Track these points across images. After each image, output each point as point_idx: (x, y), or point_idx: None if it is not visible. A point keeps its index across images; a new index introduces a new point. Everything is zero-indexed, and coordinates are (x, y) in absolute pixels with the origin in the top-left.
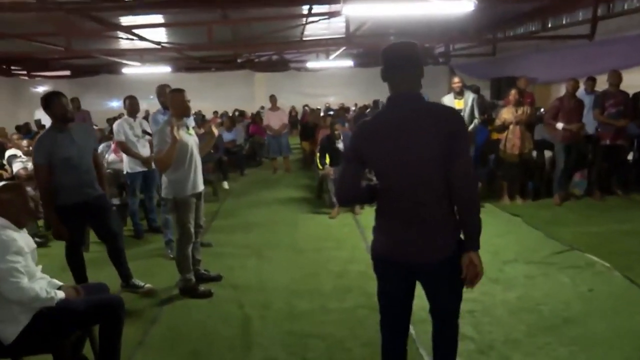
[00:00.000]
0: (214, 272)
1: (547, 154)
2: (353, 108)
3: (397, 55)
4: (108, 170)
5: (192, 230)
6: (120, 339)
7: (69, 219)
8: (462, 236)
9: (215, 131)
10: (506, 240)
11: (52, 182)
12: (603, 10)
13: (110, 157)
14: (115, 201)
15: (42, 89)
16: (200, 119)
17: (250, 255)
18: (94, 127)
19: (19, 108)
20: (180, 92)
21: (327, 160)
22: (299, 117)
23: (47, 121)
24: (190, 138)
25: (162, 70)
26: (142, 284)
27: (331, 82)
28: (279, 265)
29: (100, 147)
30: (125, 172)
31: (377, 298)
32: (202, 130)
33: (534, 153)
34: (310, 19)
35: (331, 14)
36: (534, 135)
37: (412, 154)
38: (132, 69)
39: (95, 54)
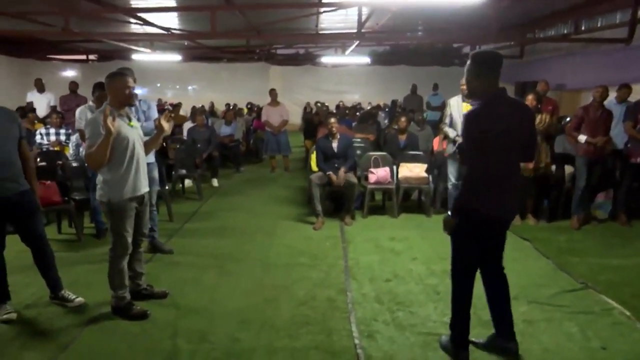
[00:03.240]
0: (162, 286)
1: (568, 169)
2: (368, 107)
3: (495, 60)
4: (75, 164)
5: (130, 240)
6: None
7: None
8: None
9: (166, 125)
10: (509, 270)
11: None
12: None
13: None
14: (78, 195)
15: (53, 72)
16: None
17: (211, 268)
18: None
19: (28, 91)
20: (120, 76)
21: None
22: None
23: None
24: (131, 131)
25: (172, 59)
26: (73, 296)
27: (349, 80)
28: (239, 284)
29: (74, 138)
30: (87, 164)
31: (464, 258)
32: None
33: (553, 167)
34: (323, 9)
35: (340, 5)
36: (555, 147)
37: (514, 134)
38: (142, 56)
39: (96, 37)
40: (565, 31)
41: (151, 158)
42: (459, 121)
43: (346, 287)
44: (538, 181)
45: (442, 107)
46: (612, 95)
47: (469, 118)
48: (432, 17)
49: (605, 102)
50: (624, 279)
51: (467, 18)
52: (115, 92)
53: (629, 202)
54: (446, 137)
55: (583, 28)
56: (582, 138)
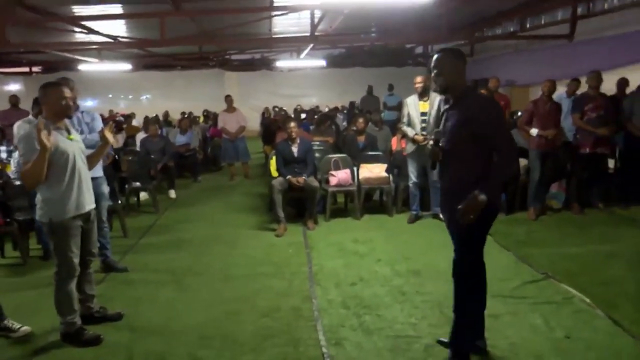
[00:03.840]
0: (117, 307)
1: (522, 162)
2: (326, 110)
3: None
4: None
5: (76, 260)
6: None
7: None
8: None
9: (110, 137)
10: None
11: None
12: (583, 9)
13: None
14: (21, 216)
15: None
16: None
17: (168, 284)
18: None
19: None
20: (54, 86)
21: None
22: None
23: None
24: (71, 145)
25: (121, 68)
26: (17, 325)
27: (306, 83)
28: (198, 299)
29: (16, 154)
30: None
31: (477, 251)
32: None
33: None
34: (274, 13)
35: (291, 9)
36: None
37: None
38: (89, 66)
39: (37, 48)
40: (512, 29)
41: (99, 172)
42: (416, 120)
43: (311, 295)
44: None
45: (399, 106)
46: (561, 89)
47: (493, 105)
48: (385, 19)
49: (556, 96)
50: (582, 267)
51: (418, 19)
52: (50, 104)
53: (580, 191)
54: (404, 136)
55: (528, 26)
56: (534, 131)
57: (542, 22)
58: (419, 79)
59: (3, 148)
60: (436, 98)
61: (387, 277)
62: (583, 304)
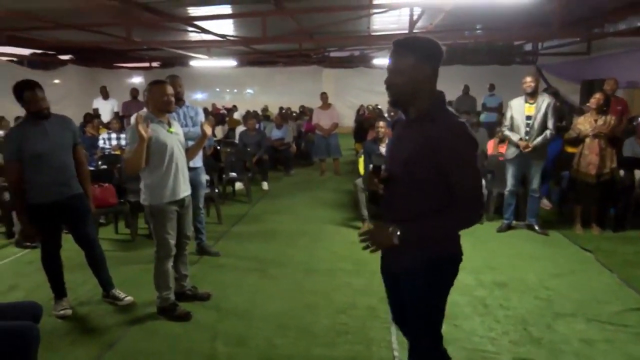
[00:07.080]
0: (207, 288)
1: (638, 174)
2: None
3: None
4: None
5: (172, 242)
6: None
7: (39, 220)
8: None
9: (208, 130)
10: (567, 284)
11: (23, 180)
12: None
13: None
14: (132, 197)
15: (119, 79)
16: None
17: (254, 272)
18: None
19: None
20: (159, 84)
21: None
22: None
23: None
24: (170, 137)
25: (227, 64)
26: (123, 295)
27: None
28: (279, 288)
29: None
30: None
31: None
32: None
33: (621, 172)
34: (374, 11)
35: (390, 6)
36: (623, 150)
37: None
38: (199, 62)
39: (156, 45)
40: (638, 24)
41: (199, 162)
42: (521, 124)
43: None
44: (603, 187)
45: (499, 108)
46: None
47: (467, 135)
48: (489, 15)
49: None
50: None
51: (527, 13)
52: (153, 99)
53: None
54: (502, 140)
55: None
56: None
57: None
58: (528, 78)
59: (122, 136)
60: (544, 101)
61: (470, 287)
62: None
